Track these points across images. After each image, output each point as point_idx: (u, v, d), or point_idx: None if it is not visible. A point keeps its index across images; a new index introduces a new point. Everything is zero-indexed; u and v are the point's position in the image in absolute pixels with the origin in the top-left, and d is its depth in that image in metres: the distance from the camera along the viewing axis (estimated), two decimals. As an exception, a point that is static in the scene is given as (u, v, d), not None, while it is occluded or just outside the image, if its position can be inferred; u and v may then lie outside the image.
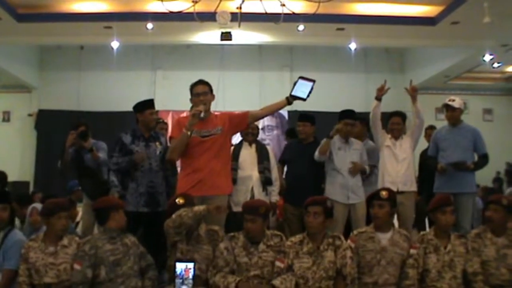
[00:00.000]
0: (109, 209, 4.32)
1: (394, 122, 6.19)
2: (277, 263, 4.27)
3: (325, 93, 12.17)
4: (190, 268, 4.01)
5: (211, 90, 4.90)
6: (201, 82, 4.90)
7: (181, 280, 4.02)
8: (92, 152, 5.85)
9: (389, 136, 6.13)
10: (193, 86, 4.89)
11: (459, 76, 12.22)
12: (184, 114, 5.03)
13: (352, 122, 5.98)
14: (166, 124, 6.72)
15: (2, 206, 4.60)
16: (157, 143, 5.43)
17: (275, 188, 5.91)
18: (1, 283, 4.37)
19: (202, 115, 4.63)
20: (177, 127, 4.82)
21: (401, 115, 6.30)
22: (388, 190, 4.68)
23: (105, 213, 4.32)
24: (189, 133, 4.60)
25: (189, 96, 4.99)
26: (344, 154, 5.90)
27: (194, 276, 4.02)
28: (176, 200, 4.33)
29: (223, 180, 4.84)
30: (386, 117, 6.29)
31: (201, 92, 4.81)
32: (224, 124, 4.88)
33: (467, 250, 4.43)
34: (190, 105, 5.25)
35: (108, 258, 4.21)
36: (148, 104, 5.51)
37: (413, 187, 5.98)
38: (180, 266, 4.02)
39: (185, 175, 4.82)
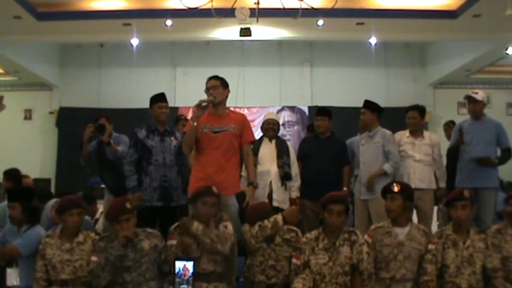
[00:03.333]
0: (118, 217, 4.26)
1: (410, 117, 6.13)
2: (293, 260, 4.29)
3: (345, 88, 12.22)
4: (188, 267, 3.99)
5: (224, 85, 4.90)
6: (212, 77, 4.92)
7: (179, 280, 4.01)
8: (110, 145, 5.90)
9: (407, 133, 6.08)
10: (206, 82, 4.92)
11: (482, 70, 12.07)
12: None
13: (364, 111, 5.98)
14: (187, 120, 6.75)
15: (12, 205, 4.67)
16: (172, 138, 5.46)
17: (295, 184, 5.91)
18: (3, 249, 4.46)
19: (203, 104, 4.63)
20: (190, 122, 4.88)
21: (418, 109, 6.19)
22: (401, 183, 4.67)
23: (115, 222, 4.32)
24: (195, 124, 4.62)
25: (208, 93, 5.04)
26: (364, 149, 5.90)
27: (194, 274, 4.00)
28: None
29: (230, 179, 4.83)
30: (404, 112, 6.23)
31: (211, 86, 4.83)
32: (238, 124, 4.88)
33: (487, 246, 4.37)
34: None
35: (115, 263, 4.21)
36: (156, 98, 5.56)
37: (432, 185, 5.93)
38: (178, 265, 3.98)
39: (195, 171, 4.85)
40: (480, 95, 5.83)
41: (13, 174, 6.89)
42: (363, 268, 4.22)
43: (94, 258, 4.21)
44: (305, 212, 5.94)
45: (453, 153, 6.07)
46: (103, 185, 6.90)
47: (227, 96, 4.95)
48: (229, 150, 4.81)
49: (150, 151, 5.33)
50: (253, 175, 5.05)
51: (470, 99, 5.86)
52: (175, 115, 7.24)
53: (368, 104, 6.03)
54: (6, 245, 4.62)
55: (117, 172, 5.84)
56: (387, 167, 5.74)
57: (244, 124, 4.97)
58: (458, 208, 4.39)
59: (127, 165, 5.37)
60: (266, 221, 4.38)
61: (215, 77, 4.91)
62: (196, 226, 4.24)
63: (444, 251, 4.38)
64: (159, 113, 5.48)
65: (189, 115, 10.58)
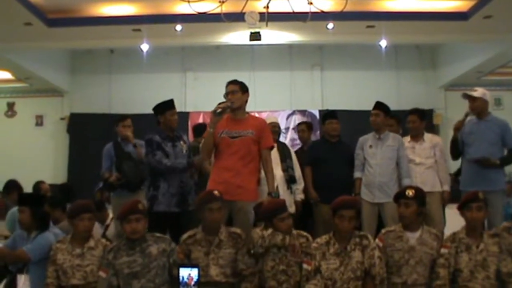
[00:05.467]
0: (128, 215, 4.27)
1: (410, 121, 6.10)
2: (304, 266, 4.26)
3: (356, 92, 12.17)
4: (193, 275, 3.92)
5: (244, 90, 4.88)
6: (231, 82, 4.92)
7: None
8: (136, 148, 5.98)
9: (408, 138, 6.05)
10: (226, 86, 4.91)
11: (493, 71, 11.97)
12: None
13: (376, 112, 5.95)
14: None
15: (21, 209, 4.68)
16: (182, 142, 5.48)
17: (299, 187, 5.91)
18: (10, 252, 4.46)
19: (218, 110, 4.62)
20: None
21: (418, 112, 6.15)
22: (415, 188, 4.61)
23: (123, 220, 4.32)
24: (211, 130, 4.61)
25: (220, 97, 5.02)
26: (375, 152, 5.85)
27: (198, 282, 3.95)
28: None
29: (248, 184, 4.80)
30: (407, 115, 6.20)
31: (229, 91, 4.83)
32: (257, 129, 4.85)
33: (501, 250, 4.30)
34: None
35: (123, 270, 4.20)
36: (168, 105, 5.55)
37: (436, 188, 5.86)
38: (183, 273, 3.93)
39: (213, 175, 4.84)
40: (478, 92, 5.64)
41: (12, 185, 6.93)
42: (375, 272, 4.19)
43: (102, 274, 4.22)
44: (322, 216, 5.92)
45: (454, 146, 5.85)
46: None
47: (246, 101, 4.94)
48: (247, 155, 4.78)
49: (167, 157, 5.34)
50: (273, 184, 4.96)
51: (467, 97, 5.67)
52: (186, 120, 7.28)
53: (382, 106, 6.00)
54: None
55: (136, 163, 5.89)
56: (407, 181, 5.70)
57: (263, 129, 4.94)
58: (473, 210, 4.33)
59: (160, 163, 5.32)
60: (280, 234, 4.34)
61: (234, 82, 4.90)
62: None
63: (457, 255, 4.33)
64: (173, 120, 5.49)
65: (200, 120, 10.70)
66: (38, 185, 7.44)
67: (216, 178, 4.78)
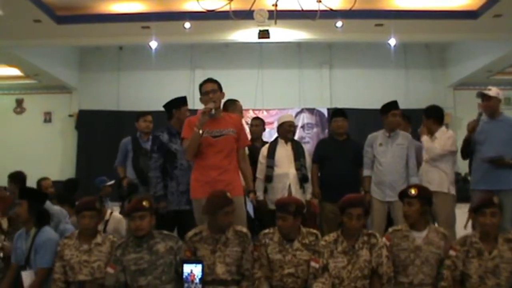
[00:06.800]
0: (132, 213, 4.28)
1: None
2: (312, 264, 4.25)
3: (364, 90, 12.18)
4: (196, 272, 3.94)
5: (221, 88, 4.87)
6: (209, 80, 4.88)
7: (187, 285, 3.96)
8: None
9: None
10: (201, 85, 4.89)
11: (503, 70, 11.92)
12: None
13: (398, 112, 5.93)
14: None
15: (19, 202, 4.71)
16: None
17: (309, 186, 5.91)
18: (36, 282, 4.45)
19: (212, 112, 4.61)
20: (188, 127, 4.77)
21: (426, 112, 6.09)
22: (418, 187, 4.57)
23: (129, 219, 4.33)
24: (200, 131, 4.58)
25: (227, 95, 5.03)
26: (385, 150, 5.83)
27: (202, 278, 3.95)
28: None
29: (236, 181, 4.81)
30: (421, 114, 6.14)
31: (210, 90, 4.78)
32: (237, 128, 4.84)
33: None
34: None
35: (130, 267, 4.22)
36: (184, 101, 5.58)
37: (443, 188, 5.70)
38: (186, 269, 3.93)
39: (197, 175, 4.78)
40: (493, 91, 5.57)
41: (17, 176, 6.94)
42: (382, 271, 4.18)
43: (110, 270, 4.23)
44: (325, 214, 5.92)
45: (465, 147, 5.77)
46: (109, 183, 7.10)
47: (221, 100, 4.95)
48: (231, 153, 4.78)
49: (175, 155, 5.33)
50: (251, 182, 5.09)
51: (482, 96, 5.61)
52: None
53: (397, 106, 6.00)
54: (18, 252, 4.65)
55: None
56: (414, 180, 5.68)
57: (241, 127, 4.94)
58: (487, 215, 4.20)
59: (154, 171, 5.34)
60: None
61: (213, 80, 4.87)
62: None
63: (467, 259, 4.23)
64: (187, 116, 5.48)
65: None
66: (39, 181, 7.44)
67: (201, 177, 4.71)
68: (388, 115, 5.92)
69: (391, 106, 5.96)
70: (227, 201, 4.31)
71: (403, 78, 12.55)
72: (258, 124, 6.66)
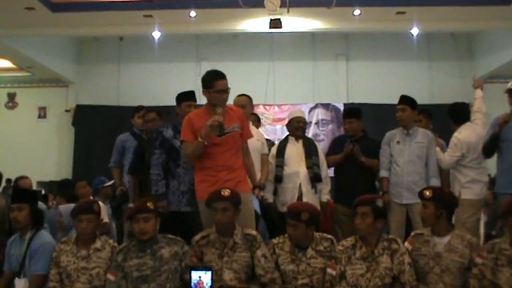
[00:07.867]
0: (136, 214, 4.24)
1: None
2: (329, 270, 4.18)
3: (384, 84, 12.11)
4: (205, 279, 3.86)
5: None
6: (223, 75, 4.66)
7: None
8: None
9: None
10: (214, 79, 4.65)
11: (536, 62, 11.90)
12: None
13: (402, 107, 5.88)
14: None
15: (19, 206, 4.60)
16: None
17: (325, 186, 5.85)
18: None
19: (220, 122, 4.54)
20: (188, 129, 4.69)
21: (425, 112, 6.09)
22: (433, 188, 4.50)
23: (132, 220, 4.33)
24: (204, 142, 4.53)
25: (236, 89, 4.97)
26: (403, 148, 5.78)
27: (212, 286, 3.88)
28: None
29: (243, 177, 4.77)
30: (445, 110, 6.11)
31: (226, 88, 4.63)
32: (241, 123, 4.81)
33: None
34: (235, 98, 5.25)
35: (133, 274, 4.21)
36: (185, 96, 5.54)
37: (453, 192, 5.68)
38: (195, 276, 3.86)
39: (203, 175, 4.75)
40: None
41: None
42: (404, 280, 4.11)
43: (111, 277, 4.22)
44: (338, 217, 5.90)
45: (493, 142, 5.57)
46: (108, 184, 7.12)
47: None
48: (238, 150, 4.76)
49: (178, 152, 5.31)
50: (256, 177, 5.10)
51: (510, 92, 5.52)
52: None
53: (408, 101, 5.93)
54: (11, 259, 4.64)
55: None
56: (434, 181, 5.65)
57: (244, 120, 4.89)
58: None
59: (155, 168, 5.29)
60: None
61: (225, 77, 4.76)
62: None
63: (496, 268, 4.07)
64: (188, 112, 5.47)
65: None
66: (17, 180, 7.37)
67: (208, 178, 4.69)
68: (398, 110, 5.88)
69: (403, 100, 5.93)
70: (221, 197, 4.29)
71: (426, 71, 12.50)
72: (254, 120, 6.67)
